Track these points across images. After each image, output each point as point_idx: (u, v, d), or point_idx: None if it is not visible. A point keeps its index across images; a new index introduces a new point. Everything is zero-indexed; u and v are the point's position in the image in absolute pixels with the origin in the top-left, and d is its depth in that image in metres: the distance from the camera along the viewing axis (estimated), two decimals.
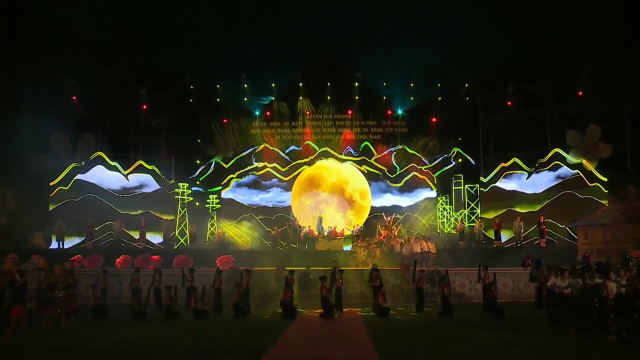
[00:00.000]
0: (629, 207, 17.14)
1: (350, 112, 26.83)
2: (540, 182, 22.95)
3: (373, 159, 26.07)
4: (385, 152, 26.19)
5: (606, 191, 20.74)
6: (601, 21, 21.26)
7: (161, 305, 15.06)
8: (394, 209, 24.97)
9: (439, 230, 24.03)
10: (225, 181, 25.61)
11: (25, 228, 20.22)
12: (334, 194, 25.16)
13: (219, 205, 24.35)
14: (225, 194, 25.46)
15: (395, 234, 21.90)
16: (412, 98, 26.75)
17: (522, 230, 21.73)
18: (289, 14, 25.14)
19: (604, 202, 20.34)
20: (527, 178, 23.30)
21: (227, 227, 23.57)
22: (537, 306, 13.75)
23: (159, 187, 24.11)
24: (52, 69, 20.82)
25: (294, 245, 22.45)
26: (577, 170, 21.94)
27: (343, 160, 25.89)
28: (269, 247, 22.56)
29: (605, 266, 11.18)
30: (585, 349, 9.35)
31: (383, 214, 23.83)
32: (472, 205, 24.27)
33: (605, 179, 21.20)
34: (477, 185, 24.39)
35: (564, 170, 22.33)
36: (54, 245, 21.08)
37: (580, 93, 22.92)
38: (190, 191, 23.70)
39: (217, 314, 14.50)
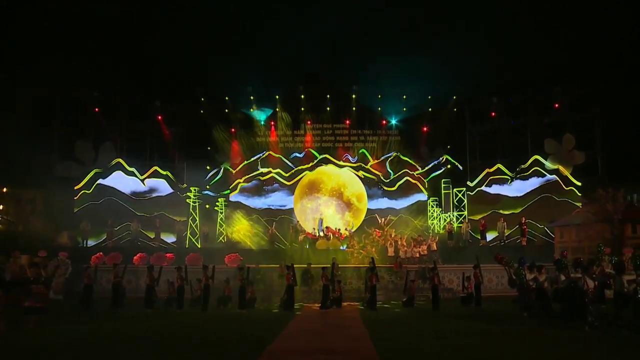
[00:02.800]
0: (599, 208, 17.51)
1: (347, 122, 27.13)
2: (521, 186, 23.25)
3: (369, 165, 26.25)
4: (381, 159, 26.43)
5: (580, 194, 21.08)
6: (575, 43, 21.73)
7: (171, 300, 15.18)
8: (388, 211, 25.18)
9: (430, 231, 24.25)
10: (233, 185, 25.81)
11: (53, 228, 20.52)
12: (333, 197, 25.42)
13: (227, 208, 24.58)
14: (233, 197, 25.68)
15: (386, 231, 22.08)
16: (404, 109, 27.09)
17: (505, 230, 22.02)
18: (291, 30, 25.60)
19: (578, 204, 20.67)
20: (510, 182, 23.57)
21: (235, 228, 23.79)
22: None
23: (172, 191, 24.39)
24: (77, 83, 21.20)
25: (296, 245, 22.64)
26: (554, 176, 22.26)
27: (341, 166, 26.08)
28: (271, 246, 22.68)
29: (584, 262, 11.31)
30: (564, 338, 9.47)
31: (377, 215, 24.06)
32: (460, 207, 24.51)
33: (579, 184, 21.57)
34: (465, 189, 24.62)
35: (543, 175, 22.63)
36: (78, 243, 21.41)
37: (557, 106, 23.36)
38: (200, 194, 23.97)
39: (223, 307, 14.81)
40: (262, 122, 27.41)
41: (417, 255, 19.44)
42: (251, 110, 27.08)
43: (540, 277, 11.78)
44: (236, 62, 25.97)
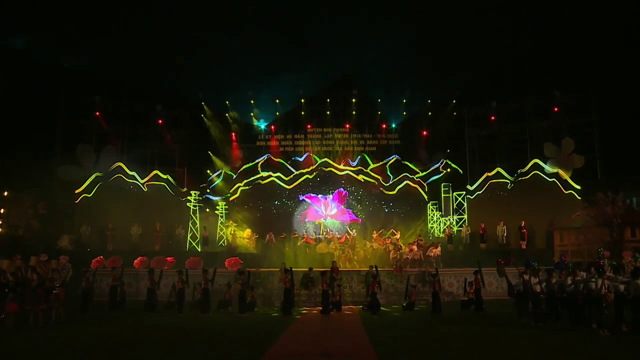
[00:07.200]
0: (598, 212, 17.53)
1: (348, 126, 27.19)
2: (521, 189, 23.24)
3: (369, 168, 26.16)
4: (381, 163, 26.42)
5: (579, 198, 21.09)
6: (575, 47, 21.87)
7: (172, 303, 15.15)
8: (388, 215, 25.12)
9: (429, 235, 24.23)
10: (233, 189, 25.78)
11: (54, 231, 20.53)
12: (333, 201, 25.41)
13: (227, 212, 24.58)
14: (233, 201, 25.63)
15: (386, 235, 22.07)
16: (404, 113, 27.15)
17: (505, 234, 21.98)
18: (291, 39, 25.78)
19: (578, 208, 20.66)
20: (510, 186, 23.57)
21: (235, 232, 23.74)
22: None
23: (173, 194, 24.38)
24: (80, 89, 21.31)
25: (296, 249, 22.53)
26: (554, 179, 22.26)
27: (342, 170, 26.04)
28: (271, 250, 22.61)
29: (601, 265, 11.15)
30: (567, 342, 9.49)
31: (377, 220, 24.03)
32: (460, 211, 24.50)
33: (578, 187, 21.57)
34: (464, 192, 24.55)
35: (543, 179, 22.65)
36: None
37: (556, 109, 23.43)
38: (201, 198, 23.97)
39: (223, 311, 14.80)
40: (263, 128, 27.49)
41: (416, 258, 19.39)
42: (251, 114, 27.16)
43: (551, 280, 11.68)
44: (238, 67, 26.12)
